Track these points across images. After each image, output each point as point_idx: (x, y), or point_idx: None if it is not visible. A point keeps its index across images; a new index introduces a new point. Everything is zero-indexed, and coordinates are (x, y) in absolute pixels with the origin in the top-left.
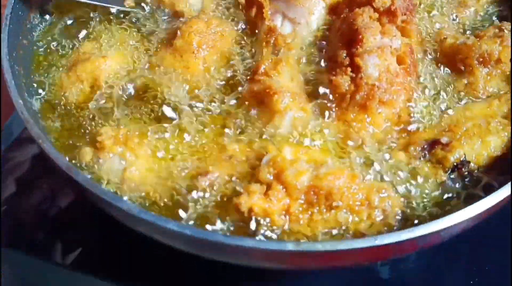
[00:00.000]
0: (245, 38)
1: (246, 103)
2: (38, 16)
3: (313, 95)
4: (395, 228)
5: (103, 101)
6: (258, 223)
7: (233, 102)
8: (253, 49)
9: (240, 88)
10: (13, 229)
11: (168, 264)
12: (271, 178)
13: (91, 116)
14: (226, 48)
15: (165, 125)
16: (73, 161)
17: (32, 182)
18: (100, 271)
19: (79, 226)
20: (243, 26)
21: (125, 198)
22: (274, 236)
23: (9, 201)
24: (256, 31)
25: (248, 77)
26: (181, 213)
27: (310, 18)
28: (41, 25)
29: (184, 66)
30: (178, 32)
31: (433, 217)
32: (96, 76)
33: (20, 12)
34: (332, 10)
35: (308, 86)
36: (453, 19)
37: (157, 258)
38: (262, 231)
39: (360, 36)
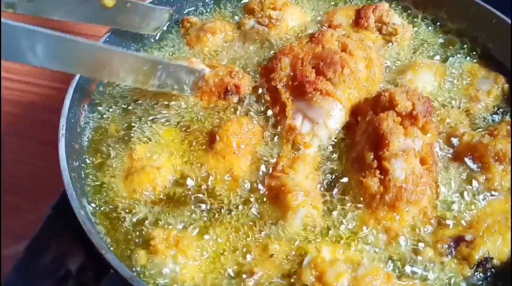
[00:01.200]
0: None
1: (264, 198)
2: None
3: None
4: None
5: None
6: None
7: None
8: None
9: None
10: None
11: None
12: (313, 280)
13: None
14: (258, 145)
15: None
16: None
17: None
18: None
19: None
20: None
21: None
22: None
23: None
24: (279, 128)
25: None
26: None
27: (328, 119)
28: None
29: (227, 167)
30: (217, 137)
31: None
32: (153, 187)
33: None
34: (356, 112)
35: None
36: (468, 114)
37: None
38: None
39: (387, 141)
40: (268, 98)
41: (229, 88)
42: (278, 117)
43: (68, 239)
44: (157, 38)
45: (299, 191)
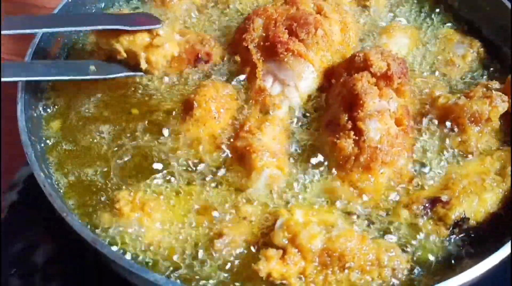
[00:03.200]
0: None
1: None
2: None
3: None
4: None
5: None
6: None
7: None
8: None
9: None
10: None
11: None
12: (286, 242)
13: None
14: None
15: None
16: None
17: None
18: None
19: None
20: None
21: (147, 259)
22: None
23: None
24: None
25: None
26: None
27: (299, 81)
28: None
29: (209, 133)
30: (195, 103)
31: (439, 272)
32: None
33: None
34: (329, 74)
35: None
36: (444, 78)
37: None
38: None
39: (361, 101)
40: (239, 60)
41: (200, 55)
42: (249, 79)
43: None
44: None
45: (265, 152)
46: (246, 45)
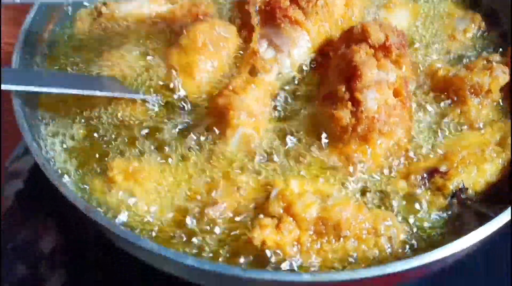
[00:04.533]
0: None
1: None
2: None
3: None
4: (401, 254)
5: None
6: (269, 255)
7: None
8: None
9: None
10: None
11: None
12: (281, 211)
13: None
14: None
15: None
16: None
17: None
18: None
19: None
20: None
21: (137, 231)
22: (285, 267)
23: None
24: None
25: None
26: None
27: (293, 48)
28: None
29: (187, 63)
30: (184, 31)
31: (436, 242)
32: None
33: None
34: (328, 46)
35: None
36: (445, 52)
37: None
38: (273, 263)
39: (359, 72)
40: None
41: (199, 16)
42: (245, 42)
43: None
44: None
45: (243, 111)
46: (247, 8)
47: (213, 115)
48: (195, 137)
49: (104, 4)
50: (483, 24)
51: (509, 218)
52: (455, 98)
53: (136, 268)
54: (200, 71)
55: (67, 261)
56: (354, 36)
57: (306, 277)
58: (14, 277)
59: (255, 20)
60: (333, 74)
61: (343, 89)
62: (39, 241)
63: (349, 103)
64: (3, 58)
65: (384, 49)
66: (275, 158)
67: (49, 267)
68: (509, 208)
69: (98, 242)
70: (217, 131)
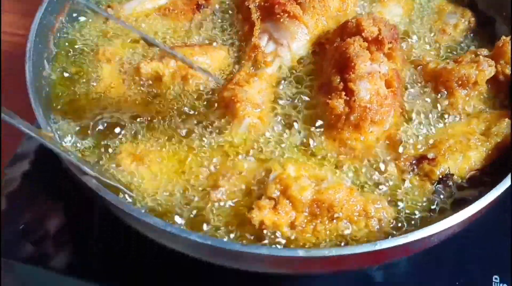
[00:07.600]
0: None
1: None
2: None
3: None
4: (390, 234)
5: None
6: (266, 234)
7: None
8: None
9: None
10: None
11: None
12: (278, 193)
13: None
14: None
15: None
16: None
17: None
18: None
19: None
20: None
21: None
22: (281, 246)
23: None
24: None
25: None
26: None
27: (292, 41)
28: None
29: None
30: None
31: (423, 224)
32: None
33: None
34: (324, 40)
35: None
36: (435, 46)
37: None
38: (269, 241)
39: (353, 63)
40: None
41: (199, 2)
42: (246, 37)
43: None
44: None
45: (248, 103)
46: (247, 4)
47: (220, 107)
48: (202, 126)
49: (109, 6)
50: (473, 19)
51: (488, 202)
52: (444, 90)
53: (143, 247)
54: None
55: (73, 240)
56: (348, 30)
57: (300, 253)
58: (20, 255)
59: (255, 15)
60: (328, 65)
61: (338, 80)
62: (46, 221)
63: (343, 93)
64: (14, 49)
65: (377, 42)
66: (275, 144)
67: (55, 246)
68: (489, 192)
69: (104, 222)
70: (224, 121)
